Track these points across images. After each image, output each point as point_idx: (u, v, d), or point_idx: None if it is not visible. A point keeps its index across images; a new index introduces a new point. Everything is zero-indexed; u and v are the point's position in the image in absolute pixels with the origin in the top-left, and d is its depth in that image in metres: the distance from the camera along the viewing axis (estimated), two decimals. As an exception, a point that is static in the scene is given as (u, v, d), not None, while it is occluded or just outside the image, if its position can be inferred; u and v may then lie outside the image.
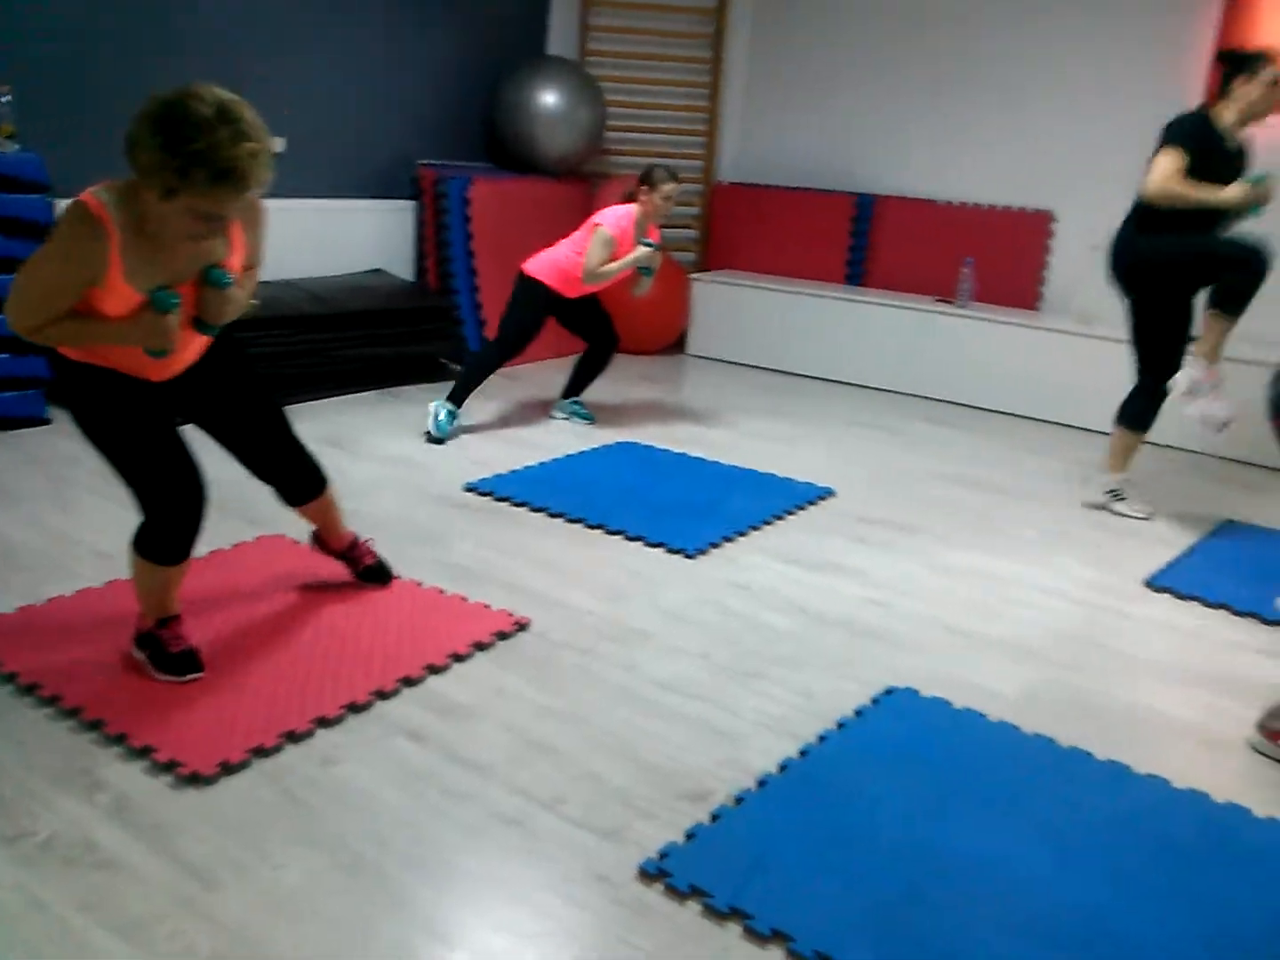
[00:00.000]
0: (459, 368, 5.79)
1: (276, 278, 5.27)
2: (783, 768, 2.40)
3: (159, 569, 2.51)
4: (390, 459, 4.35)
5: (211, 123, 2.04)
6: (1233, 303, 3.90)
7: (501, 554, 3.49)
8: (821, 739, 2.53)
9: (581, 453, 4.58)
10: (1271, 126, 3.99)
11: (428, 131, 6.15)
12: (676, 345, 6.83)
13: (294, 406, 4.89)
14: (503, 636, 2.92)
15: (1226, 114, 3.88)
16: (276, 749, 2.34)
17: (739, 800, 2.27)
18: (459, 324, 5.87)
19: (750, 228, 6.97)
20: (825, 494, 4.28)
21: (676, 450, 4.70)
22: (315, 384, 5.13)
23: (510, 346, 4.76)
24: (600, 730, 2.52)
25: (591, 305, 4.90)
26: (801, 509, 4.11)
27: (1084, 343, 5.52)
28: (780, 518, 3.99)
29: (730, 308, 6.60)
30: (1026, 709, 2.76)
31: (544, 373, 5.53)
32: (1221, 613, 3.44)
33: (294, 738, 2.38)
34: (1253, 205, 3.77)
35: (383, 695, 2.58)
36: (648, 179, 4.70)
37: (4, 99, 4.17)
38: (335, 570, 3.19)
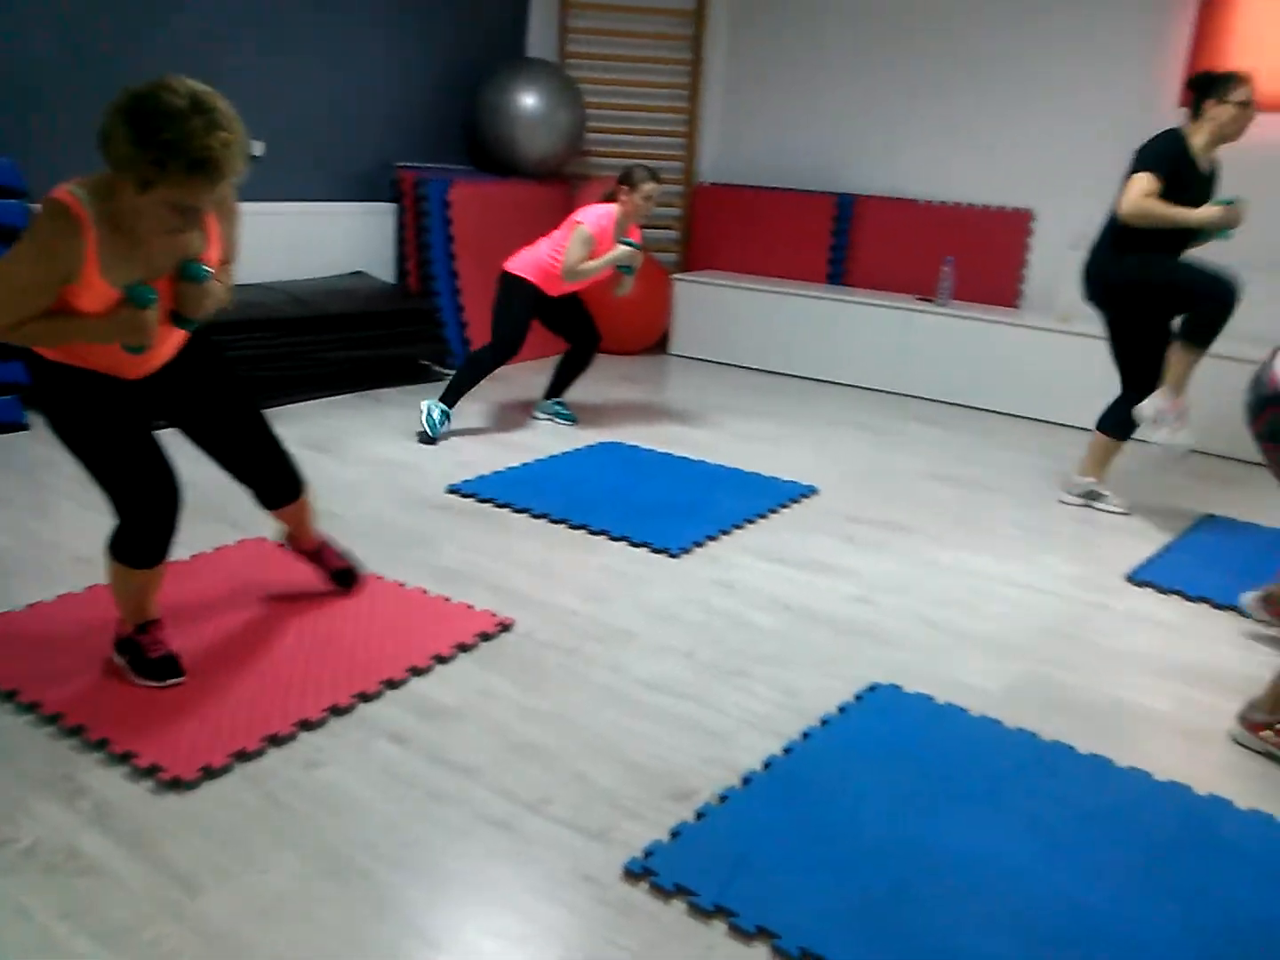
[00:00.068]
0: (442, 369, 5.80)
1: (257, 281, 5.26)
2: (767, 765, 2.40)
3: (135, 573, 2.49)
4: (373, 461, 4.34)
5: (185, 113, 2.02)
6: (1201, 335, 3.96)
7: (485, 555, 3.48)
8: (806, 736, 2.53)
9: (565, 453, 4.58)
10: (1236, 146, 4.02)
11: (408, 134, 6.14)
12: (659, 345, 6.83)
13: (276, 409, 4.88)
14: (486, 638, 2.92)
15: (1198, 136, 3.92)
16: (259, 753, 2.33)
17: (724, 799, 2.27)
18: (440, 326, 5.87)
19: (731, 228, 6.98)
20: (808, 492, 4.28)
21: (660, 450, 4.70)
22: (297, 387, 5.12)
23: (505, 347, 4.76)
24: (585, 731, 2.52)
25: (573, 304, 4.90)
26: (785, 507, 4.11)
27: (1064, 340, 5.55)
28: (764, 516, 4.00)
29: (712, 308, 6.61)
30: (1009, 704, 2.77)
31: (526, 374, 5.52)
32: (1202, 606, 3.46)
33: (276, 741, 2.37)
34: (1223, 228, 3.83)
35: (365, 697, 2.57)
36: (628, 179, 4.70)
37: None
38: (314, 573, 3.17)
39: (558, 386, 5.07)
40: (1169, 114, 5.38)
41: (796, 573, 3.52)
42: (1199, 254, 4.05)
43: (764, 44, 6.80)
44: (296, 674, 2.64)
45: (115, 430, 2.40)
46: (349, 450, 4.46)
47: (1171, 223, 3.83)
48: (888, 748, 2.52)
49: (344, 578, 3.10)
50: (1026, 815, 2.29)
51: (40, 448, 4.09)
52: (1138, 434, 4.19)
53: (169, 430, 2.60)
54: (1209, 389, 4.57)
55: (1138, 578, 3.62)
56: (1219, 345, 4.44)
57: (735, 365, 6.57)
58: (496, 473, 4.25)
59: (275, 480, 2.82)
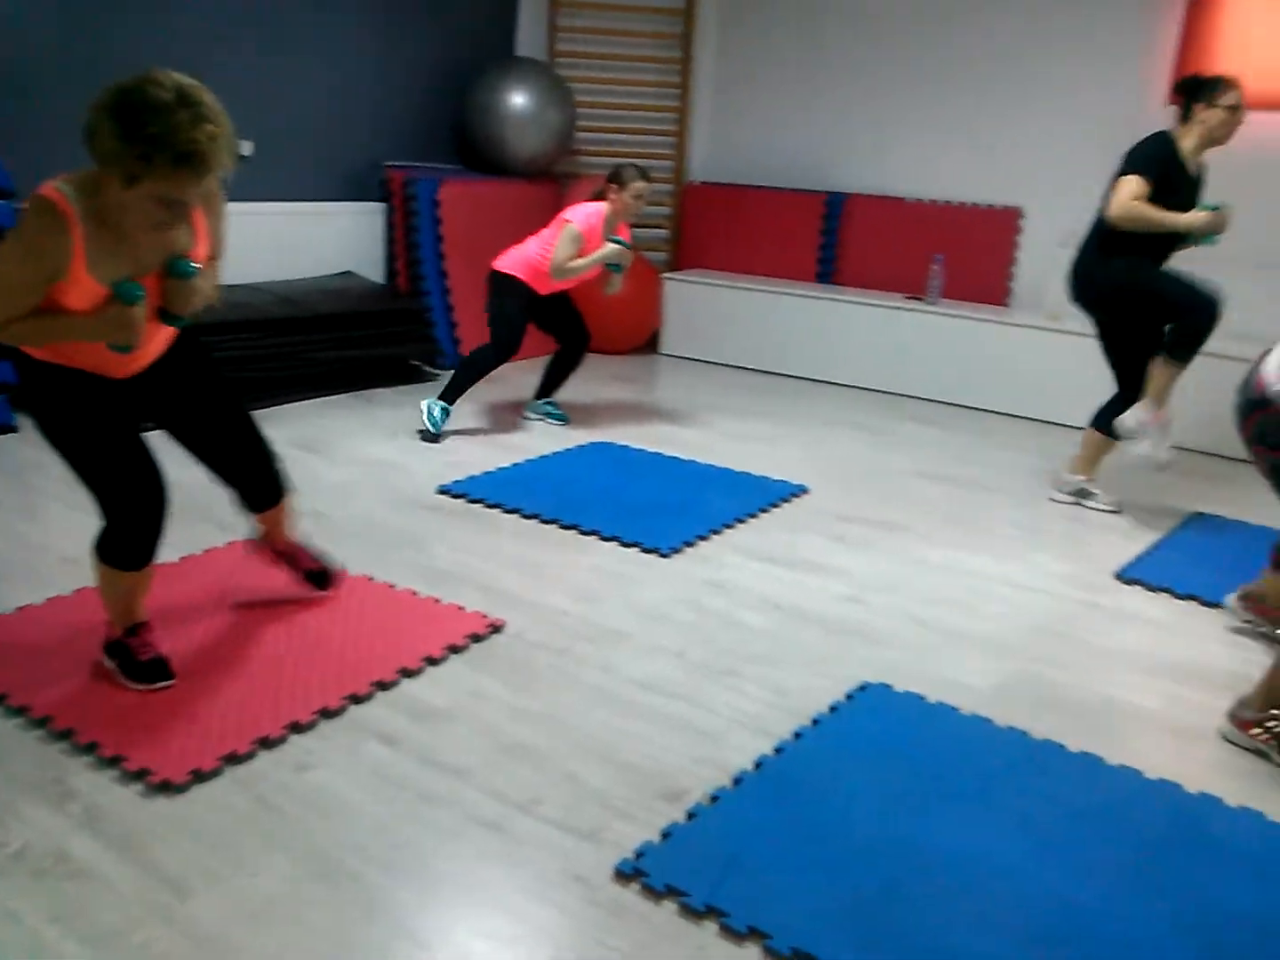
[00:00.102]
0: (432, 369, 5.79)
1: (246, 281, 5.25)
2: (758, 765, 2.40)
3: (122, 575, 2.49)
4: (363, 462, 4.34)
5: (171, 106, 2.01)
6: (1182, 350, 3.98)
7: (475, 556, 3.48)
8: (797, 736, 2.53)
9: (555, 453, 4.57)
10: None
11: (397, 133, 6.13)
12: (649, 345, 6.83)
13: (265, 410, 4.87)
14: (477, 639, 2.92)
15: (1187, 139, 3.93)
16: (249, 755, 2.33)
17: (715, 799, 2.27)
18: (430, 326, 5.86)
19: (721, 227, 6.98)
20: (799, 491, 4.29)
21: (650, 450, 4.70)
22: (286, 387, 5.11)
23: (505, 347, 4.76)
24: (576, 731, 2.52)
25: (563, 304, 4.90)
26: (776, 506, 4.11)
27: (1053, 338, 5.56)
28: (755, 516, 4.00)
29: (702, 307, 6.61)
30: (1000, 702, 2.77)
31: (517, 374, 5.51)
32: (1191, 604, 3.47)
33: (267, 744, 2.37)
34: (1209, 234, 3.85)
35: (356, 699, 2.57)
36: (617, 178, 4.70)
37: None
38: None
39: (548, 386, 5.07)
40: (1157, 113, 5.39)
41: (787, 572, 3.52)
42: (1189, 258, 4.06)
43: (753, 43, 6.80)
44: (286, 676, 2.63)
45: (102, 430, 2.39)
46: (339, 451, 4.45)
47: (1159, 227, 3.85)
48: (879, 747, 2.52)
49: (318, 579, 3.05)
50: (1017, 814, 2.30)
51: (28, 449, 4.08)
52: (1120, 445, 4.23)
53: (155, 432, 2.59)
54: (1199, 387, 4.58)
55: (1127, 576, 3.63)
56: (1212, 343, 4.46)
57: (726, 364, 6.57)
58: (487, 473, 4.25)
59: (261, 483, 2.79)
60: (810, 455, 4.82)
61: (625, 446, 4.73)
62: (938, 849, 2.16)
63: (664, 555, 3.58)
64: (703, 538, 3.74)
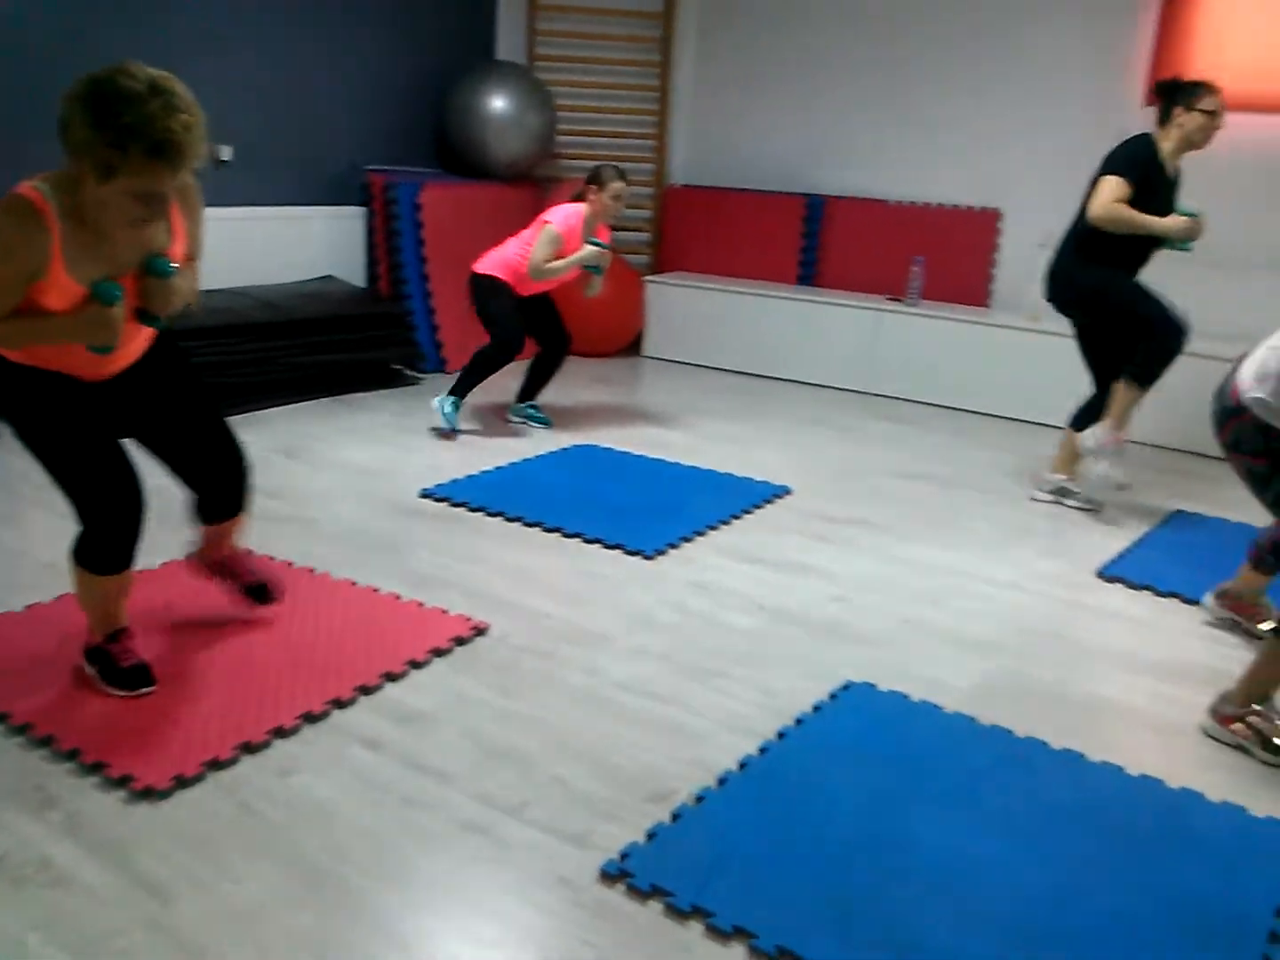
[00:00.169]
0: (414, 373, 5.78)
1: (226, 286, 5.23)
2: (743, 766, 2.40)
3: (99, 579, 2.47)
4: (345, 466, 4.32)
5: (143, 96, 2.01)
6: (1144, 374, 4.03)
7: (459, 559, 3.47)
8: (781, 736, 2.54)
9: (538, 456, 4.57)
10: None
11: (377, 137, 6.12)
12: (632, 347, 6.83)
13: (246, 415, 4.86)
14: (461, 642, 2.91)
15: (1166, 142, 3.96)
16: (232, 761, 2.31)
17: (700, 799, 2.27)
18: (412, 330, 5.85)
19: (703, 230, 6.99)
20: (782, 492, 4.29)
21: (633, 452, 4.70)
22: (267, 392, 5.08)
23: (506, 342, 4.77)
24: (561, 733, 2.52)
25: (544, 306, 4.91)
26: (759, 508, 4.12)
27: (1033, 338, 5.59)
28: (738, 517, 4.00)
29: (684, 309, 6.61)
30: (983, 701, 2.78)
31: (499, 377, 5.48)
32: (1172, 601, 3.49)
33: (250, 749, 2.36)
34: (1185, 239, 3.88)
35: (339, 704, 2.56)
36: (596, 179, 4.71)
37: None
38: (288, 579, 3.16)
39: (530, 389, 5.07)
40: (1134, 116, 5.43)
41: (770, 573, 3.53)
42: (1163, 259, 4.09)
43: (732, 46, 6.81)
44: (269, 681, 2.62)
45: (78, 433, 2.37)
46: (320, 455, 4.44)
47: (1139, 229, 3.88)
48: (862, 746, 2.52)
49: (259, 593, 2.90)
50: (1000, 811, 2.30)
51: (6, 456, 4.04)
52: (1056, 474, 4.32)
53: (126, 439, 2.56)
54: (1180, 386, 4.61)
55: (1109, 574, 3.65)
56: (1192, 343, 4.50)
57: (708, 367, 6.58)
58: (470, 477, 4.24)
59: (225, 494, 2.70)
60: (792, 456, 4.83)
61: (608, 449, 4.73)
62: (921, 847, 2.17)
63: (648, 557, 3.58)
64: (686, 539, 3.75)
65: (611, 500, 4.08)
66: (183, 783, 2.22)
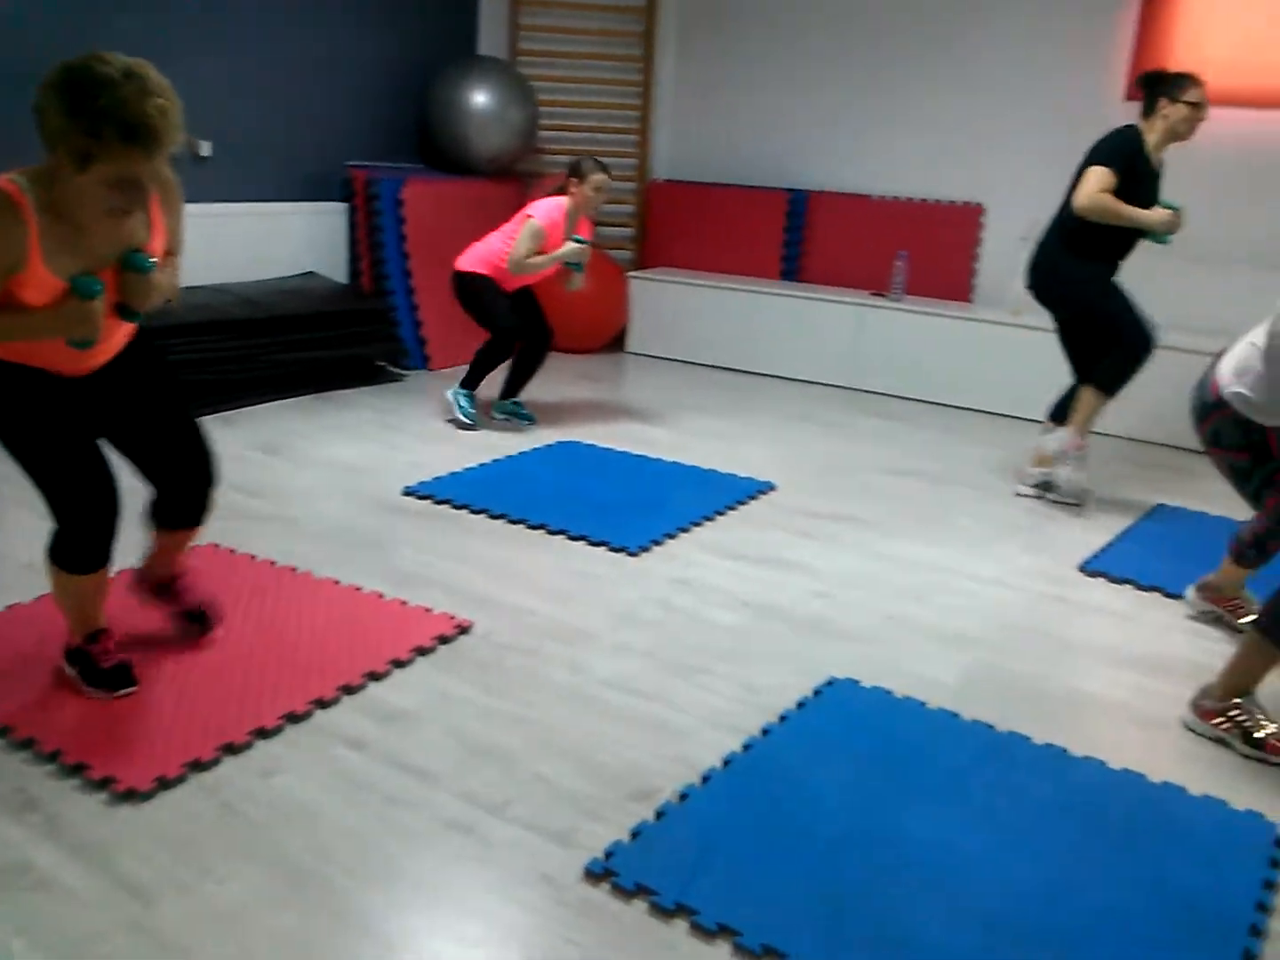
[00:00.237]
0: (397, 369, 5.77)
1: (208, 283, 5.20)
2: (727, 763, 2.41)
3: (74, 578, 2.45)
4: (327, 464, 4.31)
5: (117, 80, 2.00)
6: (1109, 382, 4.08)
7: (442, 557, 3.46)
8: (765, 732, 2.54)
9: (522, 453, 4.56)
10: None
11: (358, 133, 6.09)
12: (616, 343, 6.83)
13: (228, 413, 4.84)
14: (445, 640, 2.90)
15: (1151, 134, 3.97)
16: (214, 762, 2.31)
17: (684, 797, 2.27)
18: (395, 326, 5.83)
19: (686, 225, 6.98)
20: (766, 488, 4.30)
21: (617, 449, 4.69)
22: (249, 389, 5.06)
23: (505, 332, 4.80)
24: (546, 732, 2.52)
25: (526, 302, 4.90)
26: (743, 504, 4.12)
27: (1016, 333, 5.60)
28: (722, 513, 4.01)
29: (668, 305, 6.61)
30: (966, 696, 2.79)
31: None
32: (1154, 595, 3.51)
33: (232, 750, 2.35)
34: (1165, 232, 3.91)
35: (322, 704, 2.55)
36: (576, 171, 4.71)
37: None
38: (270, 579, 3.15)
39: (513, 386, 5.06)
40: (1116, 108, 5.45)
41: (755, 569, 3.53)
42: (1142, 249, 4.11)
43: (715, 40, 6.80)
44: (252, 681, 2.61)
45: (54, 428, 2.35)
46: (303, 453, 4.42)
47: (1123, 221, 3.90)
48: (847, 742, 2.53)
49: (199, 620, 2.80)
50: (984, 806, 2.31)
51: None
52: (1039, 468, 4.33)
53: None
54: (1160, 380, 4.63)
55: (1091, 568, 3.67)
56: (1173, 337, 4.53)
57: (692, 362, 6.58)
58: (453, 474, 4.23)
59: (189, 499, 2.63)
60: (776, 452, 4.83)
61: (592, 445, 4.73)
62: (906, 842, 2.17)
63: (632, 554, 3.58)
64: (670, 536, 3.75)
65: (595, 497, 4.07)
66: (165, 784, 2.21)
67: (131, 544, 2.63)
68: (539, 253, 4.67)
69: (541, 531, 3.73)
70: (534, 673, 2.78)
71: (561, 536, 3.69)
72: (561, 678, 2.77)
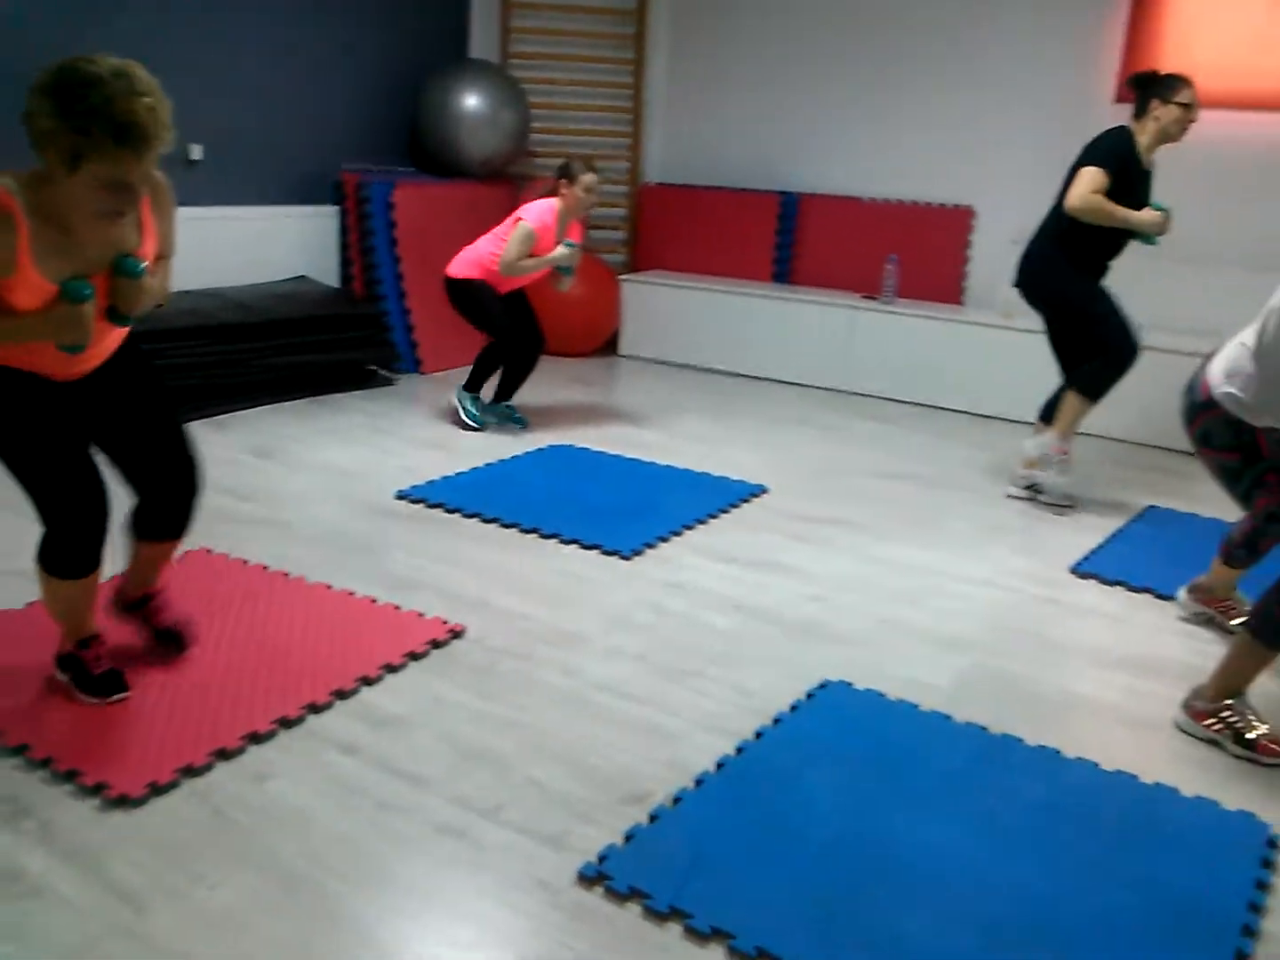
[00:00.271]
0: (389, 373, 5.76)
1: (199, 287, 5.19)
2: (720, 766, 2.41)
3: (64, 584, 2.44)
4: (320, 468, 4.30)
5: (104, 80, 2.01)
6: (1093, 388, 4.12)
7: (435, 561, 3.46)
8: (758, 735, 2.54)
9: (514, 457, 4.56)
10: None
11: (349, 136, 6.09)
12: (608, 346, 6.83)
13: (220, 417, 4.83)
14: (437, 645, 2.90)
15: (1143, 135, 3.99)
16: (206, 767, 2.30)
17: (677, 800, 2.27)
18: (387, 330, 5.82)
19: (678, 228, 6.99)
20: (758, 491, 4.30)
21: (610, 452, 4.69)
22: (241, 393, 5.05)
23: (506, 333, 4.83)
24: (539, 736, 2.51)
25: (519, 304, 4.90)
26: (735, 507, 4.13)
27: (1006, 335, 5.61)
28: (714, 516, 4.01)
29: (660, 308, 6.61)
30: (959, 698, 2.79)
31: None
32: (1145, 596, 3.51)
33: (224, 755, 2.34)
34: (1156, 233, 3.93)
35: (315, 709, 2.55)
36: (566, 173, 4.72)
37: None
38: (262, 583, 3.14)
39: (506, 390, 5.05)
40: (1105, 110, 5.46)
41: (747, 572, 3.53)
42: (1132, 250, 4.12)
43: (706, 43, 6.81)
44: (244, 686, 2.61)
45: (44, 433, 2.34)
46: (295, 457, 4.42)
47: (1115, 222, 3.91)
48: (839, 745, 2.53)
49: (174, 640, 2.74)
50: (977, 808, 2.32)
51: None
52: (1029, 470, 4.35)
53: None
54: (1151, 382, 4.65)
55: (1082, 570, 3.67)
56: (1163, 338, 4.54)
57: (684, 365, 6.58)
58: (446, 478, 4.23)
59: (172, 509, 2.60)
60: (768, 455, 4.84)
61: (585, 449, 4.73)
62: (899, 845, 2.17)
63: (625, 557, 3.58)
64: (663, 539, 3.75)
65: (588, 500, 4.07)
66: (157, 790, 2.21)
67: (121, 549, 2.62)
68: (531, 255, 4.67)
69: (534, 535, 3.72)
70: (527, 677, 2.78)
71: (554, 540, 3.69)
72: (554, 681, 2.77)
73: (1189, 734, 2.68)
